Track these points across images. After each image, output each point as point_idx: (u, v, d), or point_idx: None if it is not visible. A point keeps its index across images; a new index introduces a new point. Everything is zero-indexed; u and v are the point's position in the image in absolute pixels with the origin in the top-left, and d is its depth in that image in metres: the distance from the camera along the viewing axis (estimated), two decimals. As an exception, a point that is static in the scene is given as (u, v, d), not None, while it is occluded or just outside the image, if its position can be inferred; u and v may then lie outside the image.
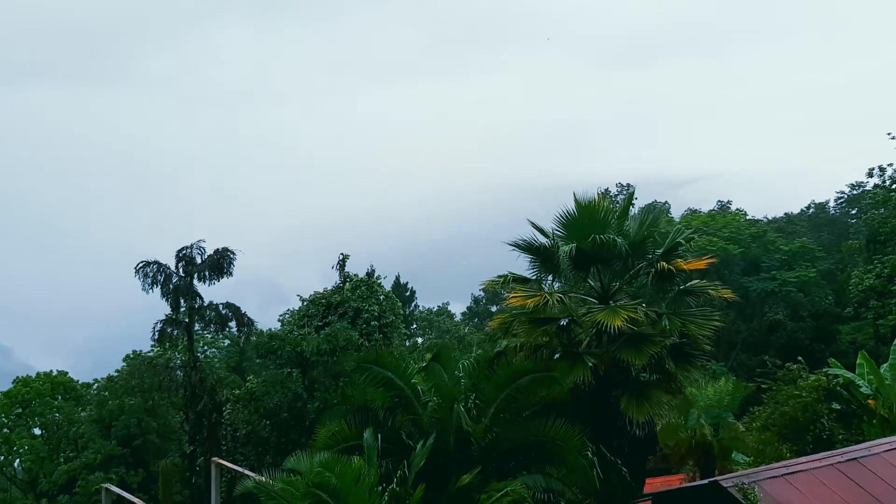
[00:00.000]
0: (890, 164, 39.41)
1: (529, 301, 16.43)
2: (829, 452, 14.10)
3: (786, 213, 59.54)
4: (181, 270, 33.72)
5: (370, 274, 37.59)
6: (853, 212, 55.52)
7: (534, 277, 17.73)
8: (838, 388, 22.25)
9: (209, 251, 34.02)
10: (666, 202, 56.23)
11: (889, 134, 36.99)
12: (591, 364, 15.72)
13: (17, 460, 47.83)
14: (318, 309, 35.56)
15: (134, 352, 45.51)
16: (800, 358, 25.69)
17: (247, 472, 20.16)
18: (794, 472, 12.44)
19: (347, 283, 36.00)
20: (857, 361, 23.32)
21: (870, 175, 40.87)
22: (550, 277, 18.03)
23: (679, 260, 17.05)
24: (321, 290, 36.43)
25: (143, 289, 33.20)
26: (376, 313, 35.34)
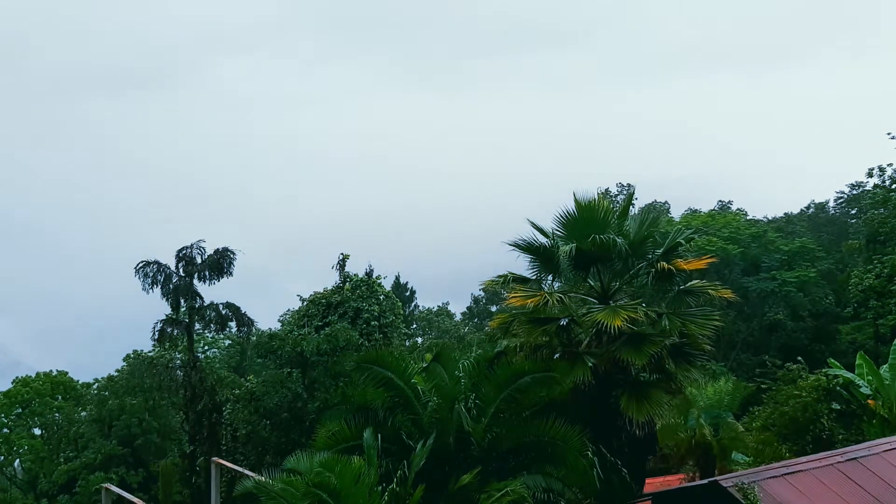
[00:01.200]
0: (890, 164, 39.44)
1: (529, 301, 16.44)
2: (829, 452, 14.11)
3: (786, 213, 59.47)
4: (181, 270, 33.73)
5: (370, 274, 37.57)
6: (853, 212, 55.50)
7: (534, 277, 17.74)
8: (838, 388, 22.26)
9: (209, 251, 34.07)
10: (666, 202, 56.23)
11: (889, 134, 37.05)
12: (591, 364, 15.73)
13: (17, 460, 47.89)
14: (318, 309, 35.56)
15: (134, 352, 45.56)
16: (799, 358, 25.71)
17: (247, 472, 20.15)
18: (794, 472, 12.44)
19: (347, 283, 36.00)
20: (857, 361, 23.34)
21: (870, 175, 40.89)
22: (550, 277, 18.03)
23: (679, 260, 17.06)
24: (321, 290, 36.45)
25: (143, 289, 33.21)
26: (376, 313, 35.34)
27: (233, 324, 34.93)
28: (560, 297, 16.36)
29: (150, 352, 41.51)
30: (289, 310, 42.11)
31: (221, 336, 50.43)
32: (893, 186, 39.31)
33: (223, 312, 34.15)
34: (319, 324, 34.78)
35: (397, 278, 56.10)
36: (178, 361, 37.46)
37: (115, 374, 46.44)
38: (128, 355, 45.96)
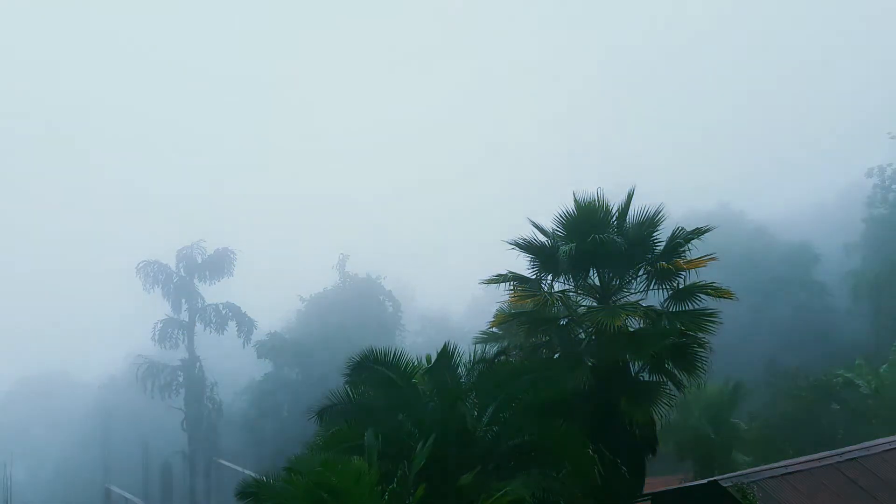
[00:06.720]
0: (890, 165, 39.45)
1: (529, 301, 16.40)
2: (829, 452, 14.10)
3: (786, 214, 59.34)
4: (182, 270, 33.76)
5: (370, 274, 37.60)
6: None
7: (534, 277, 17.69)
8: (838, 389, 22.27)
9: (209, 251, 34.08)
10: (666, 202, 56.01)
11: (889, 134, 37.07)
12: (591, 364, 15.71)
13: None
14: (318, 309, 35.61)
15: (135, 352, 45.49)
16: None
17: (247, 472, 20.13)
18: (793, 472, 12.45)
19: (348, 283, 36.04)
20: (857, 362, 23.35)
21: (870, 175, 40.90)
22: (550, 277, 17.98)
23: (679, 259, 17.02)
24: (321, 290, 36.47)
25: (144, 288, 33.29)
26: (376, 313, 35.38)
27: (233, 324, 34.97)
28: (560, 297, 16.33)
29: (150, 353, 41.50)
30: (291, 309, 42.15)
31: (222, 336, 50.44)
32: (894, 186, 39.31)
33: (223, 312, 34.19)
34: (319, 324, 34.83)
35: (397, 279, 56.09)
36: (179, 361, 37.46)
37: (115, 373, 46.44)
38: (128, 355, 45.94)
